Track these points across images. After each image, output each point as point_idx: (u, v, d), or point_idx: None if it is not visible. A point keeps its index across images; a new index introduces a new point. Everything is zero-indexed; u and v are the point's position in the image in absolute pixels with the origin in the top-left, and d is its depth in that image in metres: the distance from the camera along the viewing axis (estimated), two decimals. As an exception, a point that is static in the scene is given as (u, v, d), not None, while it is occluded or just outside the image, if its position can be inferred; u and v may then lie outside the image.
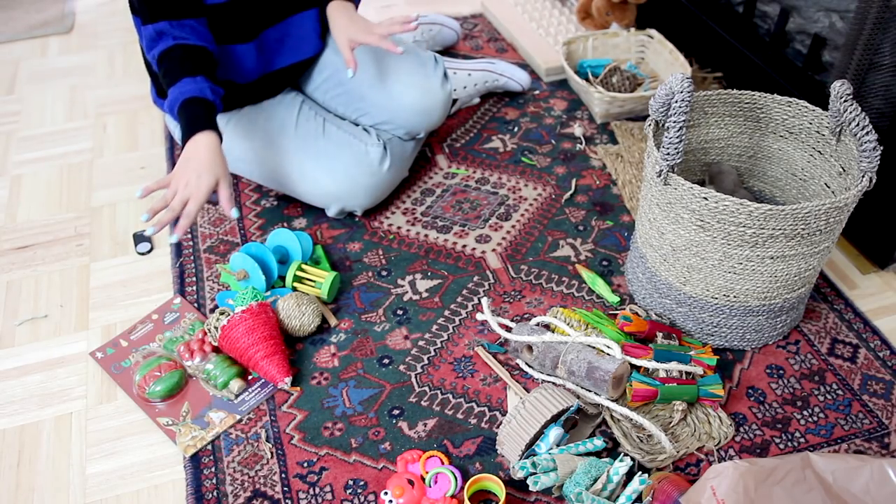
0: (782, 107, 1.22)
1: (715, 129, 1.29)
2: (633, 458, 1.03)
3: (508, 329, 1.22)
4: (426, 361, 1.20)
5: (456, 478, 1.02)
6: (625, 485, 1.00)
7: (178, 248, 1.40)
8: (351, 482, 1.05)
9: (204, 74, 1.19)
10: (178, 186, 1.13)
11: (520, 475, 0.98)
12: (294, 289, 1.28)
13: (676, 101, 1.01)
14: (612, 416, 1.09)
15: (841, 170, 1.15)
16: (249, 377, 1.17)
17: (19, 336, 1.27)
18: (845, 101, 1.05)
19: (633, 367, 1.12)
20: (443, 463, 1.05)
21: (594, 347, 1.13)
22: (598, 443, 1.04)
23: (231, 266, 1.28)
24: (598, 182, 1.53)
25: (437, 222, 1.44)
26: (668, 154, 1.03)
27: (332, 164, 1.36)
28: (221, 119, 1.43)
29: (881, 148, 1.02)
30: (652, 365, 1.09)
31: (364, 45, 1.42)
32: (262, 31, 1.34)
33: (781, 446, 1.08)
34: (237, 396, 1.15)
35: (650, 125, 1.12)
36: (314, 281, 1.28)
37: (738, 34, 1.68)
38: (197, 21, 1.23)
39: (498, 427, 1.10)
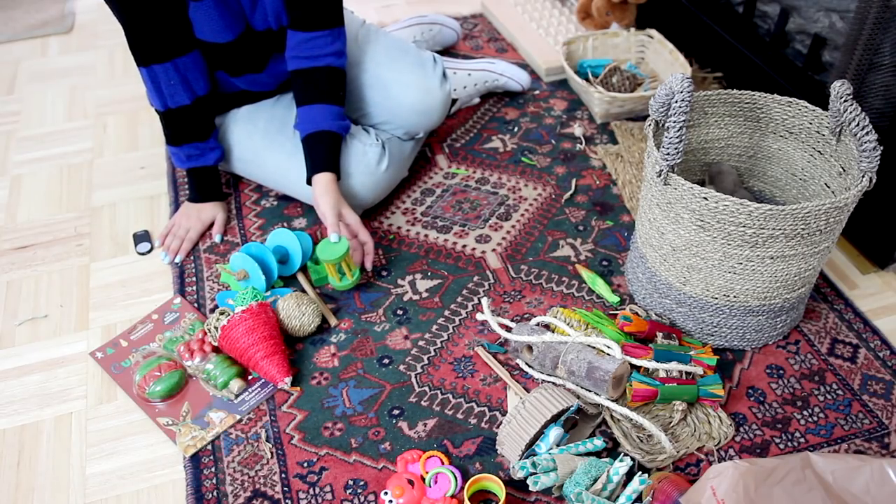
0: (782, 107, 1.22)
1: (715, 129, 1.29)
2: (633, 458, 1.03)
3: (508, 329, 1.22)
4: (426, 361, 1.20)
5: (456, 478, 1.02)
6: (625, 485, 1.00)
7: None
8: (351, 482, 1.05)
9: (201, 139, 1.36)
10: (182, 221, 1.40)
11: (520, 475, 0.98)
12: (316, 262, 1.28)
13: (676, 101, 1.01)
14: (612, 416, 1.09)
15: (841, 170, 1.15)
16: (249, 377, 1.17)
17: (19, 336, 1.27)
18: (845, 101, 1.05)
19: (633, 367, 1.12)
20: (443, 463, 1.05)
21: (594, 347, 1.13)
22: (598, 443, 1.04)
23: (231, 266, 1.28)
24: (598, 182, 1.53)
25: (437, 222, 1.44)
26: (668, 154, 1.03)
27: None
28: (221, 118, 1.43)
29: (881, 148, 1.02)
30: (652, 365, 1.09)
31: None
32: (270, 59, 1.36)
33: (781, 446, 1.08)
34: (237, 396, 1.15)
35: (650, 125, 1.12)
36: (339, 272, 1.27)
37: (738, 34, 1.68)
38: (189, 57, 1.28)
39: (498, 427, 1.10)
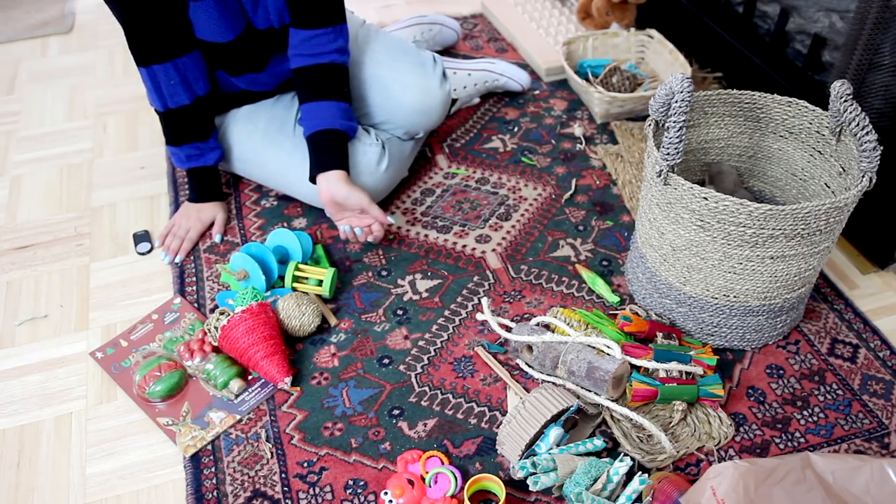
0: (782, 107, 1.22)
1: (715, 129, 1.29)
2: (633, 458, 1.03)
3: (508, 329, 1.22)
4: (426, 361, 1.20)
5: (456, 478, 1.02)
6: (625, 485, 1.00)
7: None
8: (351, 482, 1.05)
9: (200, 139, 1.36)
10: (182, 221, 1.40)
11: (520, 475, 0.98)
12: (294, 289, 1.28)
13: (676, 101, 1.01)
14: (612, 416, 1.09)
15: (841, 170, 1.15)
16: (249, 377, 1.17)
17: (19, 336, 1.27)
18: (845, 101, 1.05)
19: (633, 367, 1.12)
20: (443, 463, 1.05)
21: (594, 347, 1.13)
22: (598, 443, 1.04)
23: (231, 266, 1.28)
24: (598, 182, 1.53)
25: (437, 222, 1.44)
26: (668, 154, 1.03)
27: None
28: (221, 118, 1.43)
29: (881, 148, 1.02)
30: (652, 365, 1.09)
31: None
32: (270, 58, 1.36)
33: (781, 446, 1.08)
34: (237, 396, 1.15)
35: (650, 125, 1.12)
36: (314, 279, 1.28)
37: (738, 34, 1.68)
38: (189, 57, 1.28)
39: (498, 427, 1.10)
